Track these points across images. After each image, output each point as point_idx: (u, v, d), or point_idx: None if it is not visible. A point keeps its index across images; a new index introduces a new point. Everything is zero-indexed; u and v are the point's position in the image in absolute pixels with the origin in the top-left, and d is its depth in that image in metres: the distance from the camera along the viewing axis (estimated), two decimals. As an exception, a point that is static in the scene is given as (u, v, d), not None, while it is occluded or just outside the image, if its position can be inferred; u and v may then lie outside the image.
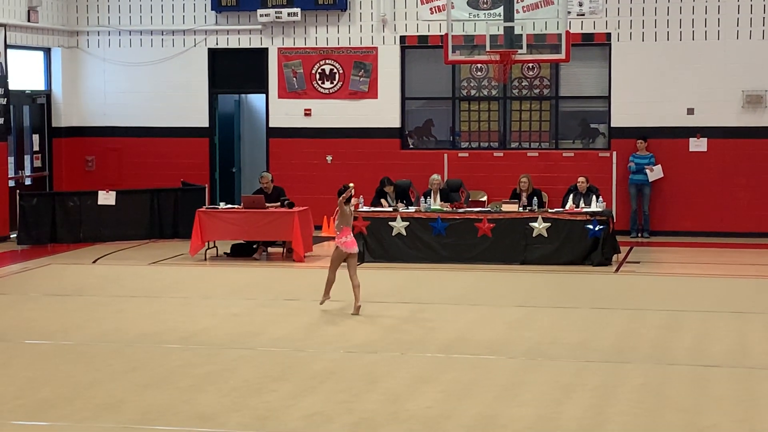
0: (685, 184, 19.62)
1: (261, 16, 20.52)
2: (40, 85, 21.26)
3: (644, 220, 19.62)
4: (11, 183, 20.01)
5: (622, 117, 19.78)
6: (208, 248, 17.64)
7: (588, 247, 16.56)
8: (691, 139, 19.60)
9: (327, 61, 20.67)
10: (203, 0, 21.03)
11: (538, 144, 20.33)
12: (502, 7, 17.76)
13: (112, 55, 21.45)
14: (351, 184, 13.09)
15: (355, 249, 13.22)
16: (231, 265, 17.00)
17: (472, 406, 9.02)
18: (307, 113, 20.78)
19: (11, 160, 20.20)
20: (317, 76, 20.72)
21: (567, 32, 17.13)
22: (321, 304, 13.18)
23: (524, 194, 17.79)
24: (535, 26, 19.03)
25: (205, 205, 18.73)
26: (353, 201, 13.49)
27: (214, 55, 21.18)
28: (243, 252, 17.75)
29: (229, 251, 17.81)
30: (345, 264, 13.01)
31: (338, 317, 12.87)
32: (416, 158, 20.37)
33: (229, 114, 22.26)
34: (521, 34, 16.94)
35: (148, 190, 19.74)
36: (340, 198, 12.94)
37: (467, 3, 19.84)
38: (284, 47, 20.81)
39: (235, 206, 17.85)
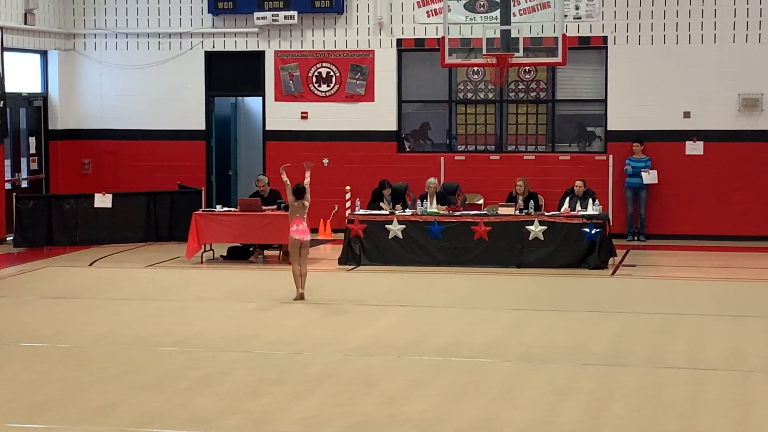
0: (681, 187, 19.62)
1: (258, 18, 20.52)
2: (36, 88, 21.24)
3: (640, 224, 19.62)
4: (8, 186, 19.99)
5: (618, 120, 19.79)
6: (205, 251, 17.63)
7: (584, 250, 16.56)
8: (687, 142, 19.61)
9: (324, 64, 20.67)
10: (200, 3, 21.02)
11: (534, 147, 20.33)
12: (498, 10, 17.75)
13: (109, 57, 21.44)
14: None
15: (307, 237, 13.83)
16: (227, 268, 16.99)
17: (469, 410, 9.02)
18: (304, 116, 20.77)
19: (8, 162, 20.17)
20: (314, 79, 20.72)
21: (563, 36, 17.13)
22: (295, 299, 13.73)
23: (520, 197, 17.78)
24: (532, 30, 19.00)
25: (201, 207, 18.72)
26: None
27: (211, 57, 21.18)
28: (239, 255, 17.74)
29: (225, 254, 17.81)
30: None
31: (334, 320, 12.86)
32: (413, 161, 20.37)
33: (225, 117, 22.25)
34: (518, 38, 16.94)
35: (144, 193, 19.72)
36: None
37: (464, 6, 19.84)
38: (281, 50, 20.81)
39: (232, 209, 17.85)
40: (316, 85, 20.71)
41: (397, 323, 12.67)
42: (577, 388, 9.65)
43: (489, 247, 16.73)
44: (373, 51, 20.53)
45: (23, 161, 20.81)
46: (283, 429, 8.58)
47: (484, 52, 16.94)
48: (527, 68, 19.92)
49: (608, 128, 19.91)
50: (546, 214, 17.02)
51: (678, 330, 12.21)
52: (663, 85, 19.55)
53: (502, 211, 17.06)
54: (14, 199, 18.95)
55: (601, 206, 17.37)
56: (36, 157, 21.12)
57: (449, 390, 9.63)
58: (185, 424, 8.69)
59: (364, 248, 17.01)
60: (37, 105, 21.22)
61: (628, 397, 9.37)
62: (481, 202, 19.74)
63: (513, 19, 17.51)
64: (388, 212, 17.36)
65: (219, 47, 21.09)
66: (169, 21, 21.22)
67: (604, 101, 19.92)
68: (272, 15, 20.44)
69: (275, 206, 17.49)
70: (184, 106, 21.19)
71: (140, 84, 21.29)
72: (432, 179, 18.21)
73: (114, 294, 14.58)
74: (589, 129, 20.35)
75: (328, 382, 9.89)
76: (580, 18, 19.78)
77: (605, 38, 19.75)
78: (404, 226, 16.97)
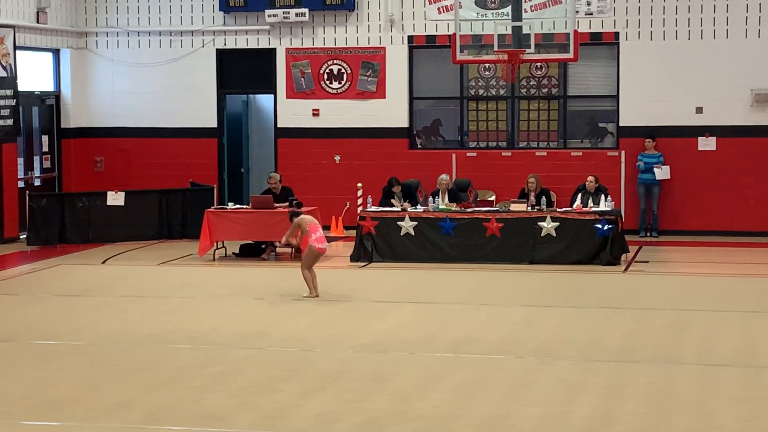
0: (693, 183, 19.58)
1: (269, 16, 20.54)
2: (49, 86, 21.30)
3: (653, 220, 19.59)
4: (21, 184, 20.05)
5: (630, 116, 19.75)
6: (217, 248, 17.66)
7: (596, 246, 16.53)
8: (699, 138, 19.57)
9: (335, 61, 20.68)
10: (211, 1, 21.05)
11: (546, 143, 20.32)
12: (510, 6, 17.75)
13: (121, 56, 21.48)
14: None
15: (326, 245, 13.98)
16: (239, 266, 17.02)
17: (481, 406, 9.03)
18: (315, 113, 20.79)
19: (21, 161, 20.24)
20: (325, 76, 20.73)
21: (575, 31, 17.12)
22: (308, 297, 13.87)
23: (532, 194, 17.77)
24: (543, 26, 18.98)
25: (213, 205, 18.75)
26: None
27: (222, 55, 21.20)
28: (251, 252, 17.76)
29: (237, 251, 17.83)
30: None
31: (346, 317, 12.88)
32: (424, 158, 20.36)
33: (237, 114, 22.28)
34: (529, 34, 16.94)
35: (156, 191, 19.76)
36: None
37: (475, 2, 19.83)
38: (292, 47, 20.82)
39: (244, 206, 17.87)
40: (327, 82, 20.72)
41: (408, 320, 12.68)
42: (589, 385, 9.64)
43: (501, 243, 16.72)
44: (384, 48, 20.53)
45: (36, 159, 20.87)
46: (296, 426, 8.59)
47: (496, 48, 16.94)
48: (539, 64, 19.89)
49: (620, 124, 19.87)
50: (558, 210, 17.01)
51: (690, 326, 12.19)
52: (675, 80, 19.51)
53: (514, 207, 17.05)
54: (27, 198, 19.00)
55: (613, 202, 17.34)
56: (49, 156, 21.17)
57: (461, 386, 9.63)
58: (198, 420, 8.71)
59: (376, 245, 17.01)
60: (50, 103, 21.27)
61: (640, 393, 9.37)
62: (492, 198, 19.74)
63: (524, 15, 17.50)
64: (399, 209, 17.36)
65: (230, 45, 21.12)
66: (181, 19, 21.26)
67: (616, 97, 19.88)
68: (283, 12, 20.45)
69: (287, 203, 17.50)
70: (195, 104, 21.22)
71: (152, 82, 21.33)
72: (444, 176, 18.22)
73: (126, 291, 14.62)
74: (601, 125, 20.32)
75: (340, 379, 9.91)
76: (591, 14, 19.74)
77: (617, 34, 19.72)
78: (416, 223, 16.96)
